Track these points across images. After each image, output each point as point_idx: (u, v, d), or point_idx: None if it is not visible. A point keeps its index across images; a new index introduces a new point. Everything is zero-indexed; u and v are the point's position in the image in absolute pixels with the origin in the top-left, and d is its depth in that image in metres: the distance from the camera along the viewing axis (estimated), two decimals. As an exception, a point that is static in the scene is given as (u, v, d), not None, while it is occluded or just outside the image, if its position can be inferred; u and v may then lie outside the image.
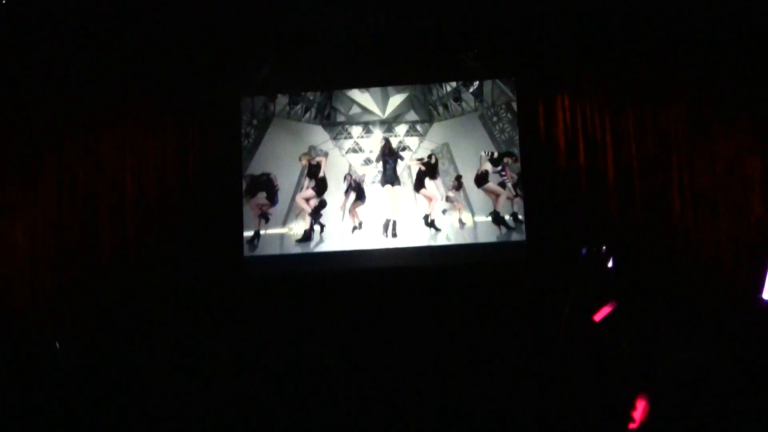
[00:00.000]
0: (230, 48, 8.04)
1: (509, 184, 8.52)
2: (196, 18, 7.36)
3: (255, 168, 8.72)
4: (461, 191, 8.64)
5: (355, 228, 8.66)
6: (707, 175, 7.90)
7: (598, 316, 6.11)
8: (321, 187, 8.73)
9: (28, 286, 7.69)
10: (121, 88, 8.18)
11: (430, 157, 8.69)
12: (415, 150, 8.75)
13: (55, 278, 7.84)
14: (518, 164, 8.50)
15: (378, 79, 8.69)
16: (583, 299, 6.65)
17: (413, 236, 8.62)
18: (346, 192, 8.71)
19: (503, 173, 8.56)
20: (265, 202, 8.70)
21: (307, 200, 8.71)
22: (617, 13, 7.75)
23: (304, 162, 8.72)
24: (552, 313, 7.59)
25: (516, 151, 8.53)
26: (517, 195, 8.47)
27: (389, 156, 8.69)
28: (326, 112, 8.82)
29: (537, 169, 8.44)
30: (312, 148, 8.77)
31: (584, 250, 7.32)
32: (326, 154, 8.75)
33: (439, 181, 8.69)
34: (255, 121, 8.78)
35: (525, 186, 8.43)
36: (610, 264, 7.12)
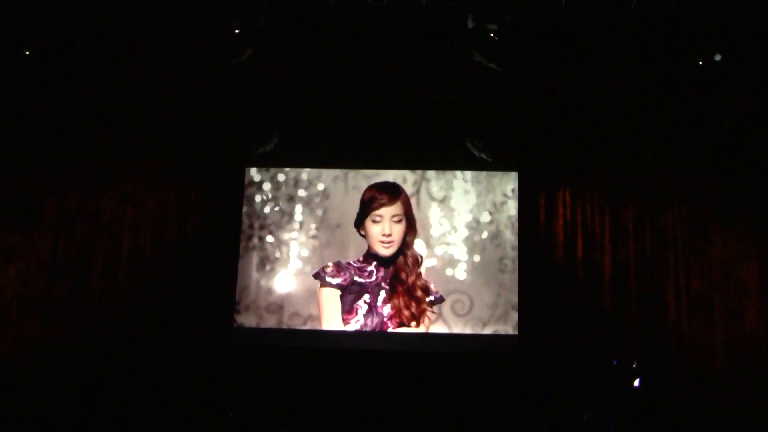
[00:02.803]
0: (238, 117, 8.25)
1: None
2: (207, 86, 7.53)
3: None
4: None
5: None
6: (704, 278, 7.86)
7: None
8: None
9: (15, 330, 7.66)
10: (129, 144, 8.39)
11: None
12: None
13: (42, 324, 7.83)
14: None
15: (380, 160, 8.68)
16: (604, 415, 6.53)
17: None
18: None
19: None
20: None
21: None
22: (625, 113, 7.93)
23: None
24: (540, 408, 7.52)
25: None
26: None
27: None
28: None
29: (533, 260, 8.36)
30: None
31: (615, 362, 7.28)
32: None
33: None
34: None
35: (520, 276, 8.33)
36: (636, 382, 7.06)
